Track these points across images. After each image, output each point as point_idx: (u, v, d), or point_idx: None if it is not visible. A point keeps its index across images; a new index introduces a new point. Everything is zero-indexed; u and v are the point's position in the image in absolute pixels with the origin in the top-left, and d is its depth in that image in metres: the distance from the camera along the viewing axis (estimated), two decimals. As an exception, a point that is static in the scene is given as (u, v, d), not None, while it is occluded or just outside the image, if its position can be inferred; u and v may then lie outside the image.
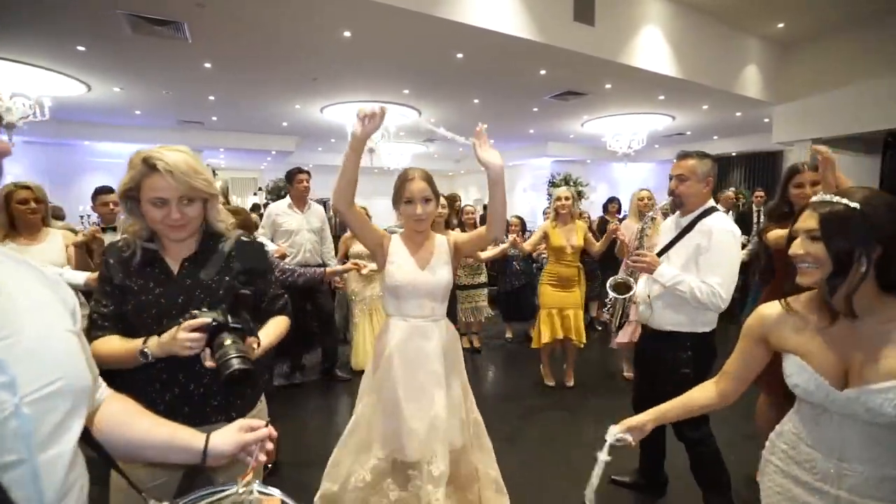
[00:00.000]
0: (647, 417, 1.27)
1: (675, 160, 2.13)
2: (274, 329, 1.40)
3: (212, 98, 7.12)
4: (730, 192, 6.34)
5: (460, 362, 1.91)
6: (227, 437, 0.89)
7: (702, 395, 1.28)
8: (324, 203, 12.31)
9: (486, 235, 1.79)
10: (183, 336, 1.08)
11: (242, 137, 10.02)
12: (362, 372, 4.36)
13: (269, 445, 0.92)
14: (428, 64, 5.59)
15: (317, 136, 10.51)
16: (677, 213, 2.16)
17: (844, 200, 1.01)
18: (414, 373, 1.75)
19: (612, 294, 2.30)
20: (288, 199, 4.04)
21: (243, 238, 1.38)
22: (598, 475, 1.18)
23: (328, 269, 2.26)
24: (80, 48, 5.01)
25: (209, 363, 1.09)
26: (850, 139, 7.64)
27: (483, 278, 4.76)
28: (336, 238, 4.67)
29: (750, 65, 6.86)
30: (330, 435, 3.25)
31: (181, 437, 0.88)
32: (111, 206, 3.37)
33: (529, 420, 3.37)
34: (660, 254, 2.12)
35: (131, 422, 0.87)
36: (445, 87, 6.60)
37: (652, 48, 5.76)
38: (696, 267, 1.98)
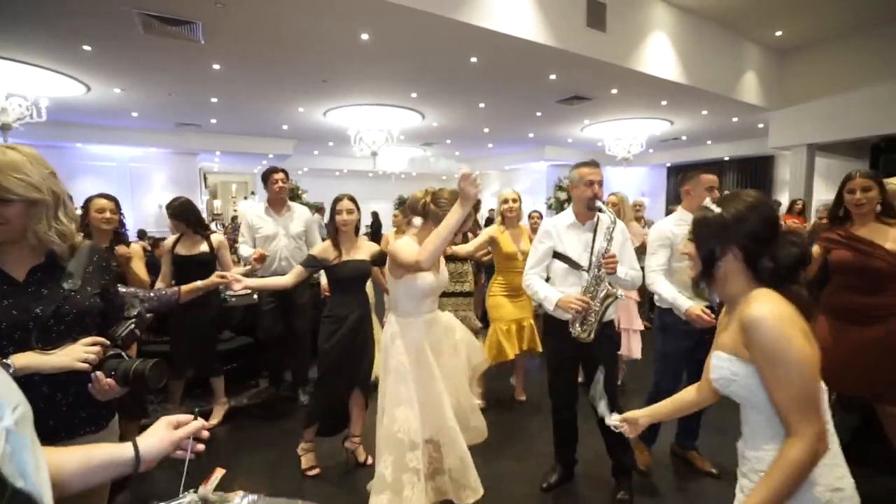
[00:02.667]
0: (641, 414, 1.37)
1: (595, 167, 2.32)
2: None
3: (214, 100, 6.99)
4: None
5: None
6: (157, 437, 0.87)
7: (687, 396, 1.37)
8: (318, 208, 12.16)
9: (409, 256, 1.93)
10: (84, 349, 1.08)
11: (240, 140, 9.88)
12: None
13: (205, 434, 0.93)
14: (441, 67, 5.59)
15: (315, 139, 10.42)
16: (569, 213, 2.37)
17: (713, 206, 1.15)
18: (438, 358, 2.01)
19: (606, 304, 2.16)
20: (264, 202, 3.69)
21: (95, 247, 1.29)
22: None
23: (184, 288, 1.87)
24: (86, 48, 4.88)
25: (105, 381, 1.10)
26: (839, 144, 7.90)
27: (469, 287, 3.99)
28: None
29: (749, 71, 7.04)
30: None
31: (98, 456, 0.82)
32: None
33: (500, 427, 3.17)
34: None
35: None
36: (454, 92, 6.61)
37: (659, 54, 5.87)
38: (620, 258, 2.26)
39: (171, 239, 3.25)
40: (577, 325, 2.16)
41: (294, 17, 4.30)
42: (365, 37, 4.67)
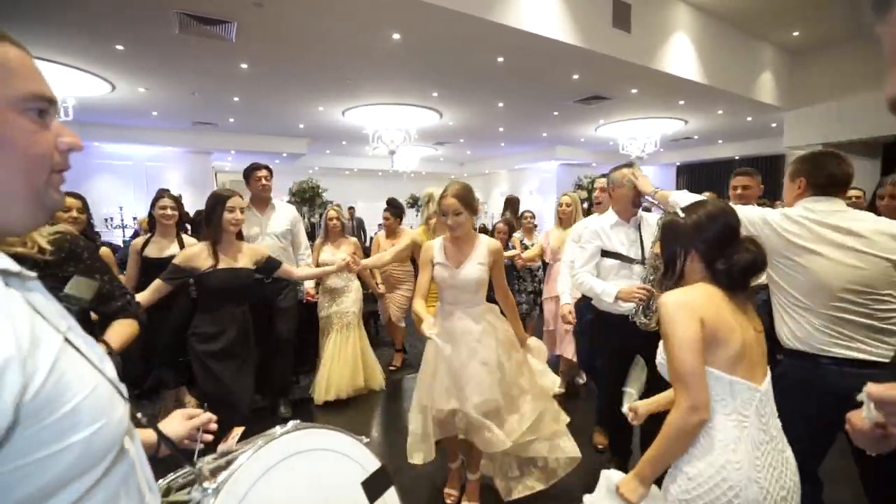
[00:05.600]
0: (644, 404, 1.48)
1: (636, 168, 2.47)
2: (118, 333, 1.42)
3: (236, 99, 7.05)
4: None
5: (502, 338, 2.20)
6: (176, 426, 0.97)
7: None
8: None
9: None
10: None
11: (255, 139, 9.94)
12: (324, 405, 3.60)
13: (214, 426, 1.02)
14: (467, 67, 5.65)
15: (329, 138, 10.47)
16: (611, 213, 2.47)
17: (680, 213, 1.26)
18: (457, 345, 2.10)
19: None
20: (246, 200, 3.44)
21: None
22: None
23: None
24: (119, 47, 4.93)
25: None
26: (853, 143, 7.98)
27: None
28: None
29: (765, 71, 7.12)
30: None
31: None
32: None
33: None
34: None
35: None
36: (475, 91, 6.67)
37: (680, 54, 5.94)
38: None
39: (140, 239, 3.04)
40: (641, 314, 2.23)
41: (327, 17, 4.35)
42: (396, 36, 4.73)
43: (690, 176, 12.72)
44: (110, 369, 0.60)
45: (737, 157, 11.40)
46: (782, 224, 1.69)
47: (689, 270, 1.21)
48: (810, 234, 1.66)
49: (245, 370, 2.32)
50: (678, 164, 12.67)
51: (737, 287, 1.17)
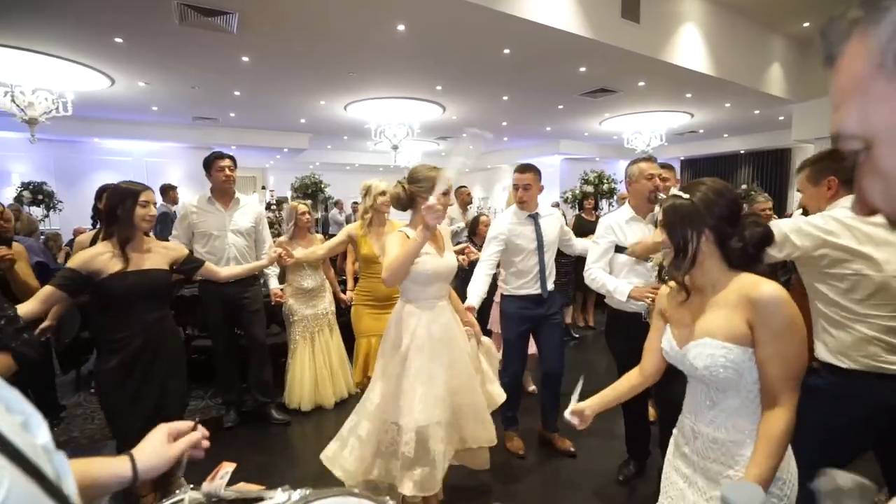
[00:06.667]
0: (587, 405, 1.37)
1: (653, 162, 2.45)
2: None
3: (237, 93, 6.95)
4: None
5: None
6: (155, 452, 0.82)
7: (630, 381, 1.42)
8: (336, 202, 11.93)
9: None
10: None
11: (256, 134, 9.82)
12: (297, 411, 3.47)
13: (206, 444, 0.89)
14: (472, 59, 5.55)
15: (330, 133, 10.37)
16: (626, 208, 2.47)
17: (682, 194, 1.19)
18: (447, 344, 1.95)
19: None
20: (207, 193, 3.17)
21: None
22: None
23: None
24: (118, 40, 4.83)
25: None
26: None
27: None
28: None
29: (774, 63, 7.01)
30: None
31: (93, 472, 0.74)
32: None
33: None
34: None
35: None
36: (480, 84, 6.57)
37: (689, 46, 5.83)
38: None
39: (88, 235, 2.79)
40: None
41: (332, 7, 4.26)
42: (401, 28, 4.63)
43: (695, 170, 12.62)
44: (43, 435, 0.43)
45: (742, 151, 11.30)
46: (828, 228, 1.49)
47: (702, 257, 1.14)
48: (864, 237, 1.48)
49: (163, 384, 2.07)
50: (682, 158, 12.56)
51: (752, 262, 1.14)
